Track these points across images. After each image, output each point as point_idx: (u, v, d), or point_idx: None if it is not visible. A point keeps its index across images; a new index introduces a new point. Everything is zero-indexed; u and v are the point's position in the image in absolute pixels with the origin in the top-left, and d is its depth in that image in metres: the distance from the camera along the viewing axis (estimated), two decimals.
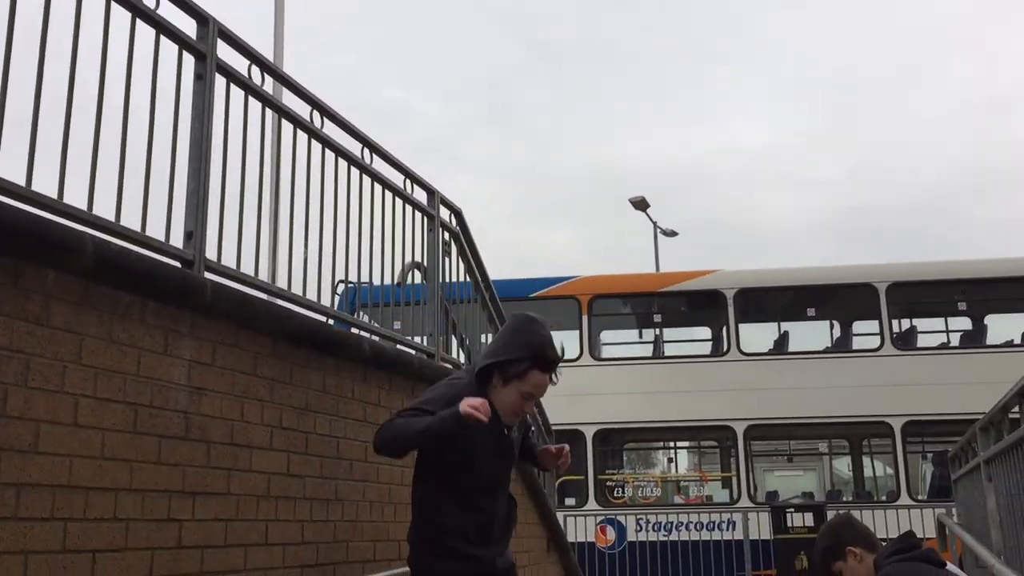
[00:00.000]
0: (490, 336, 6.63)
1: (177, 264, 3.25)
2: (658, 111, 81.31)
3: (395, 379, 4.52)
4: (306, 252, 4.15)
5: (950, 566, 3.70)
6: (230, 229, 3.66)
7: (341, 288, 5.24)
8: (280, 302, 3.77)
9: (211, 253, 3.43)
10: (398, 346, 4.86)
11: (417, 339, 5.18)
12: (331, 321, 4.34)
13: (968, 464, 5.66)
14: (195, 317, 3.15)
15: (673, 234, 24.31)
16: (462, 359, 6.14)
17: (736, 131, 75.71)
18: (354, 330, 4.68)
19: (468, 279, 6.16)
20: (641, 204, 22.53)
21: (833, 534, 3.67)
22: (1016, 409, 3.80)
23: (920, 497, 12.47)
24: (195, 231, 3.35)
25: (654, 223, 23.43)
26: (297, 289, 4.05)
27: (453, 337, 6.13)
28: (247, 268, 3.67)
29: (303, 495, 3.65)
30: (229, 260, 3.58)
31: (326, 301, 4.26)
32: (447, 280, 5.77)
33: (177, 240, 3.32)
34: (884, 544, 3.60)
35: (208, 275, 3.35)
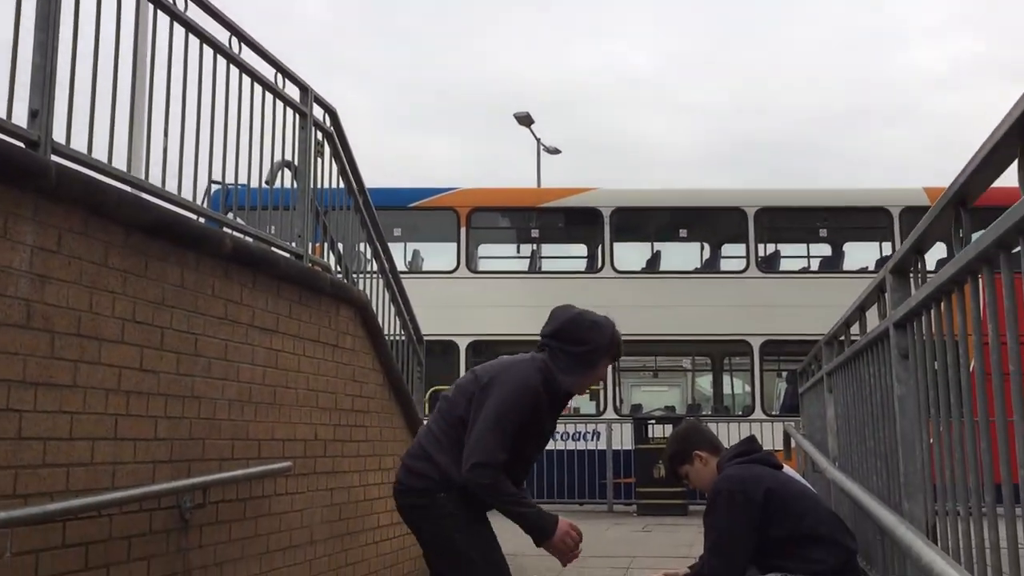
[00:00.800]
0: (366, 245, 6.56)
1: (20, 144, 3.05)
2: (545, 24, 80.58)
3: (259, 278, 4.42)
4: (166, 142, 3.97)
5: (787, 468, 3.93)
6: (83, 112, 3.45)
7: (212, 189, 5.09)
8: (137, 192, 3.61)
9: (59, 136, 3.24)
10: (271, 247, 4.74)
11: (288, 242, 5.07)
12: (202, 220, 4.20)
13: (813, 378, 5.99)
14: (39, 201, 2.99)
15: (556, 152, 24.42)
16: (335, 265, 6.06)
17: (623, 52, 75.99)
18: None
19: (342, 183, 6.04)
20: (526, 120, 22.49)
21: (681, 439, 3.86)
22: (856, 325, 4.02)
23: (773, 412, 13.20)
24: (41, 110, 3.15)
25: (537, 139, 23.47)
26: (157, 181, 3.88)
27: (329, 246, 6.04)
28: (101, 155, 3.48)
29: (157, 391, 3.57)
30: (81, 145, 3.39)
31: (188, 196, 4.11)
32: (320, 185, 5.65)
33: (21, 119, 3.12)
34: (727, 449, 3.81)
35: (56, 159, 3.17)
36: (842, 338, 4.47)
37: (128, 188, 3.63)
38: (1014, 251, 1.78)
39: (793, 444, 7.34)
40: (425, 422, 3.43)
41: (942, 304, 2.37)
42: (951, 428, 2.37)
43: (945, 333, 2.36)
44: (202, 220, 4.26)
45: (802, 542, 3.44)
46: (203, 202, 4.60)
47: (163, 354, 3.62)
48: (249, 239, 4.54)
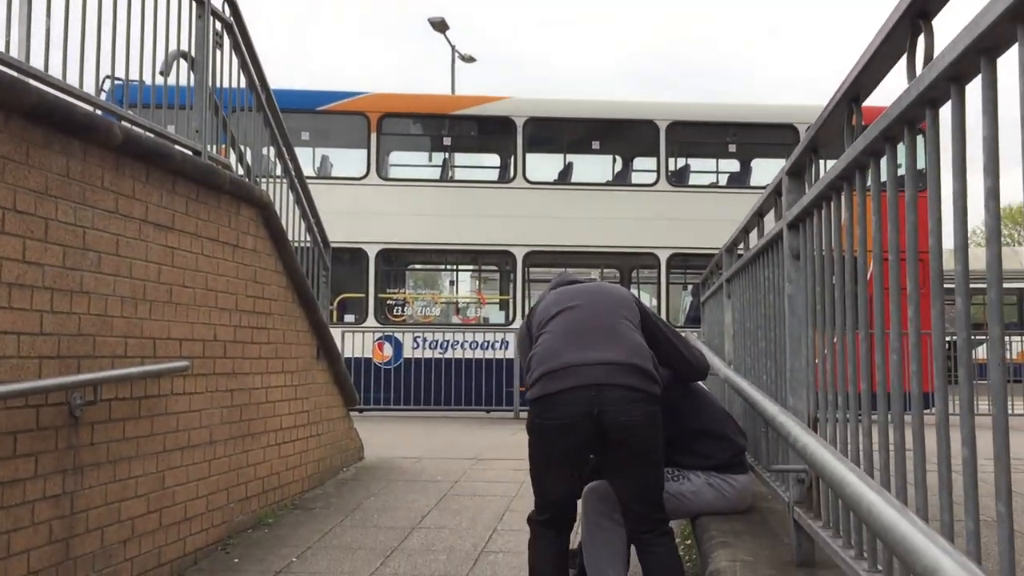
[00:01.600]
0: (270, 147, 6.37)
1: None
2: None
3: (153, 172, 4.25)
4: (48, 23, 3.73)
5: None
6: None
7: (109, 85, 4.86)
8: (12, 73, 3.39)
9: None
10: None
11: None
12: (101, 113, 3.99)
13: (713, 286, 6.13)
14: None
15: (471, 60, 23.97)
16: (236, 165, 5.88)
17: None
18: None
19: (243, 80, 5.81)
20: (440, 25, 21.95)
21: None
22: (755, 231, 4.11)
23: (678, 324, 13.52)
24: None
25: (452, 47, 22.97)
26: (40, 64, 3.65)
27: (230, 144, 5.83)
28: None
29: (42, 284, 3.42)
30: None
31: (74, 81, 3.89)
32: (221, 83, 5.44)
33: None
34: None
35: None
36: (741, 245, 4.57)
37: (7, 70, 3.41)
38: (899, 144, 1.81)
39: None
40: (613, 326, 3.26)
41: (832, 202, 2.42)
42: (835, 324, 2.45)
43: (835, 230, 2.42)
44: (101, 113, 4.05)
45: (696, 436, 3.57)
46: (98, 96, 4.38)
47: (48, 246, 3.47)
48: (141, 131, 4.34)
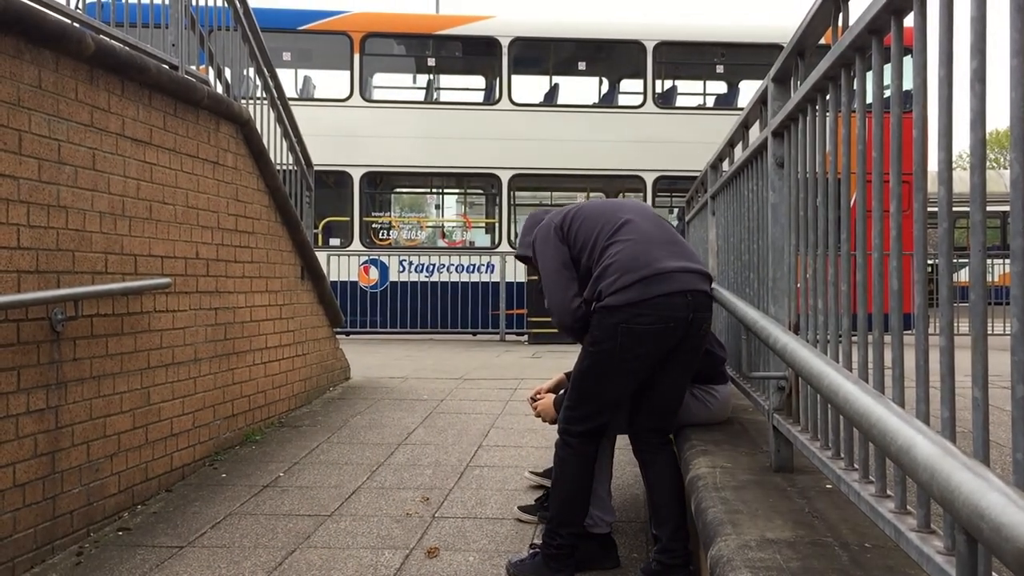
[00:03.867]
0: (250, 63, 6.25)
1: None
2: None
3: (128, 85, 4.16)
4: None
5: None
6: None
7: (83, 1, 4.74)
8: None
9: None
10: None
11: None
12: (77, 25, 3.89)
13: (698, 204, 6.11)
14: None
15: None
16: (219, 87, 5.77)
17: None
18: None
19: (224, 2, 5.67)
20: None
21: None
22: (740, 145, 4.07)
23: None
24: None
25: None
26: None
27: (209, 60, 5.72)
28: None
29: (17, 198, 3.37)
30: None
31: None
32: (200, 1, 5.32)
33: None
34: None
35: None
36: (726, 161, 4.53)
37: None
38: (885, 37, 1.77)
39: None
40: (677, 238, 3.34)
41: (816, 105, 2.39)
42: (817, 230, 2.44)
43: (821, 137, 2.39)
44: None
45: None
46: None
47: (22, 159, 3.41)
48: (116, 43, 4.24)
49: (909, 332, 1.80)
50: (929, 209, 1.61)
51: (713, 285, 3.48)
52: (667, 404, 3.31)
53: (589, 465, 3.29)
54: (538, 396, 3.97)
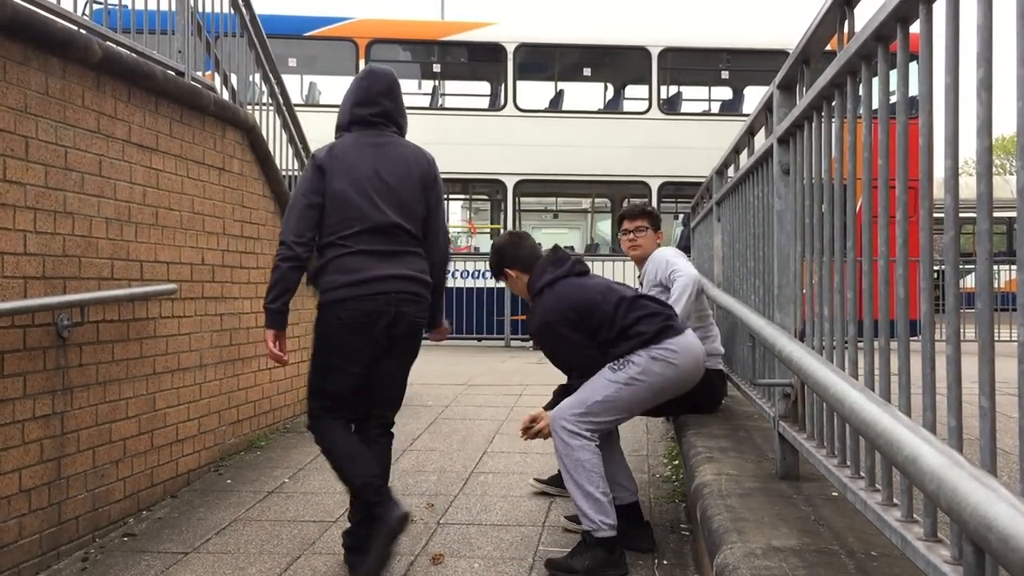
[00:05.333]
0: (255, 68, 6.26)
1: None
2: None
3: (135, 92, 4.18)
4: None
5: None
6: None
7: (89, 10, 4.78)
8: None
9: None
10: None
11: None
12: (84, 32, 3.91)
13: (703, 209, 6.11)
14: None
15: None
16: (225, 94, 5.78)
17: None
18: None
19: (231, 9, 5.68)
20: None
21: (495, 254, 3.83)
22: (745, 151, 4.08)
23: None
24: None
25: None
26: None
27: (215, 67, 5.73)
28: None
29: (24, 204, 3.38)
30: None
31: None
32: (204, 7, 5.34)
33: None
34: (539, 263, 3.73)
35: None
36: (731, 168, 4.54)
37: None
38: (891, 45, 1.77)
39: None
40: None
41: (822, 112, 2.39)
42: (823, 238, 2.44)
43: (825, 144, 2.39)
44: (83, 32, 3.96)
45: (615, 324, 3.47)
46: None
47: (29, 165, 3.42)
48: (122, 50, 4.25)
49: (915, 339, 1.80)
50: (935, 215, 1.60)
51: (715, 291, 3.48)
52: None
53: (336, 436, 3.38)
54: (534, 422, 3.84)
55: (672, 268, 4.35)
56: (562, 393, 3.82)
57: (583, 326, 3.46)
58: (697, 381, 3.56)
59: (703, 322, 4.45)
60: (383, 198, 3.35)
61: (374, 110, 3.48)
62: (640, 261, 4.67)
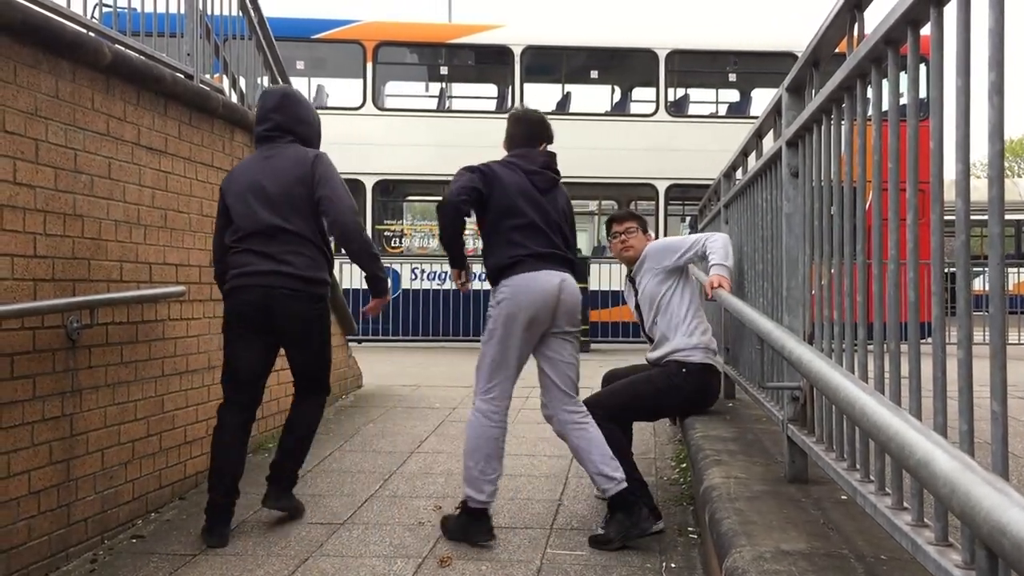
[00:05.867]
0: (263, 71, 6.27)
1: None
2: None
3: (144, 94, 4.19)
4: None
5: None
6: None
7: (98, 13, 4.81)
8: None
9: None
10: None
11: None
12: (94, 35, 3.93)
13: (711, 212, 6.10)
14: None
15: None
16: (233, 96, 5.80)
17: None
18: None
19: (239, 12, 5.70)
20: None
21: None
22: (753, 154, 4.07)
23: None
24: None
25: None
26: None
27: (223, 70, 5.75)
28: None
29: (34, 206, 3.40)
30: None
31: (61, 1, 3.82)
32: (212, 10, 5.36)
33: None
34: None
35: None
36: (739, 170, 4.53)
37: None
38: (902, 48, 1.77)
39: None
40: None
41: (831, 115, 2.38)
42: (832, 239, 2.43)
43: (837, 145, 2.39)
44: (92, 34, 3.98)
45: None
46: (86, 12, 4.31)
47: (39, 168, 3.43)
48: (132, 52, 4.27)
49: (926, 341, 1.80)
50: (945, 218, 1.60)
51: (724, 294, 3.48)
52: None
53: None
54: None
55: (685, 242, 4.34)
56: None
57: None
58: (548, 318, 3.79)
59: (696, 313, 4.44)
60: (263, 204, 3.82)
61: (267, 126, 3.97)
62: (631, 263, 4.58)
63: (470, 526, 3.71)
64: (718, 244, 4.10)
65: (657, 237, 13.44)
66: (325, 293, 4.01)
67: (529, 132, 4.04)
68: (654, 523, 3.62)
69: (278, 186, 3.83)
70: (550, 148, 4.11)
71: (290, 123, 3.97)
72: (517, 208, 3.78)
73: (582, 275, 10.94)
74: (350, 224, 3.93)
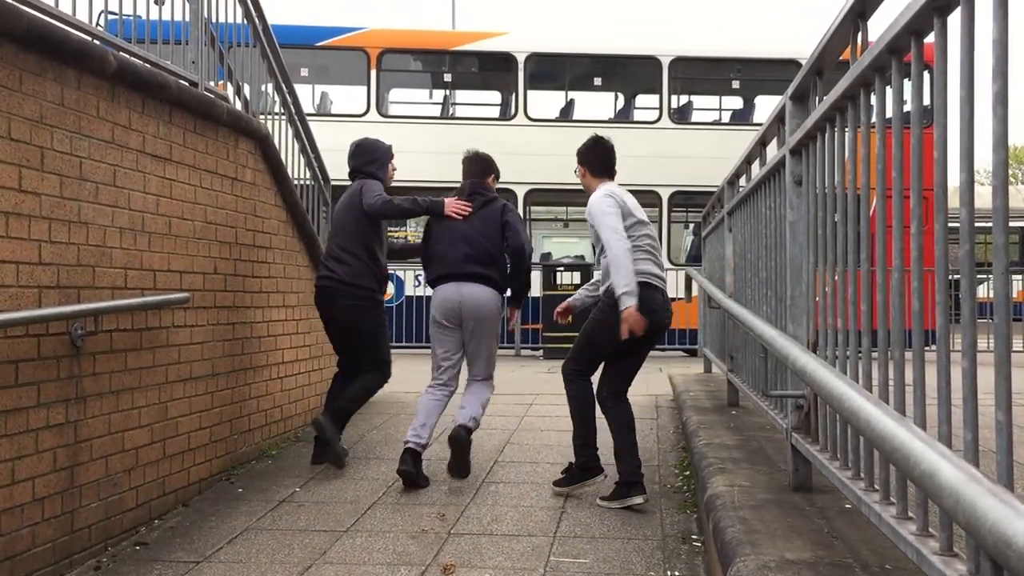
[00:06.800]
0: (267, 78, 6.29)
1: None
2: None
3: (149, 102, 4.21)
4: None
5: None
6: None
7: (103, 21, 4.82)
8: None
9: None
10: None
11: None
12: (96, 41, 3.94)
13: (715, 220, 6.10)
14: None
15: None
16: (238, 104, 5.80)
17: None
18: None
19: (239, 12, 5.71)
20: None
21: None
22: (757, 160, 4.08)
23: (680, 261, 13.52)
24: None
25: None
26: None
27: (227, 77, 5.77)
28: None
29: (39, 214, 3.40)
30: None
31: (67, 10, 3.84)
32: (217, 18, 5.38)
33: None
34: None
35: None
36: (742, 177, 4.53)
37: None
38: (905, 58, 1.77)
39: (694, 287, 7.53)
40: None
41: (835, 124, 2.39)
42: (836, 248, 2.43)
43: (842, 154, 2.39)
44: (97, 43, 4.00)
45: None
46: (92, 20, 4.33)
47: (44, 175, 3.44)
48: (137, 60, 4.28)
49: (930, 348, 1.79)
50: (950, 224, 1.60)
51: (728, 302, 3.48)
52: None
53: None
54: None
55: (596, 227, 4.50)
56: None
57: None
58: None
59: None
60: (338, 229, 5.23)
61: (350, 168, 5.40)
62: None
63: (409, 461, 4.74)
64: (612, 271, 4.13)
65: (660, 243, 13.50)
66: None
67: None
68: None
69: (348, 214, 5.28)
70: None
71: (363, 164, 5.39)
72: None
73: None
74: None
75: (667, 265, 12.63)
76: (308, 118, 7.20)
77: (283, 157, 6.02)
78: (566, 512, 4.25)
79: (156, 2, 4.76)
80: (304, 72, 12.92)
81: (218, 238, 4.89)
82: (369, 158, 5.39)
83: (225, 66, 5.68)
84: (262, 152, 5.52)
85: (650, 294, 4.15)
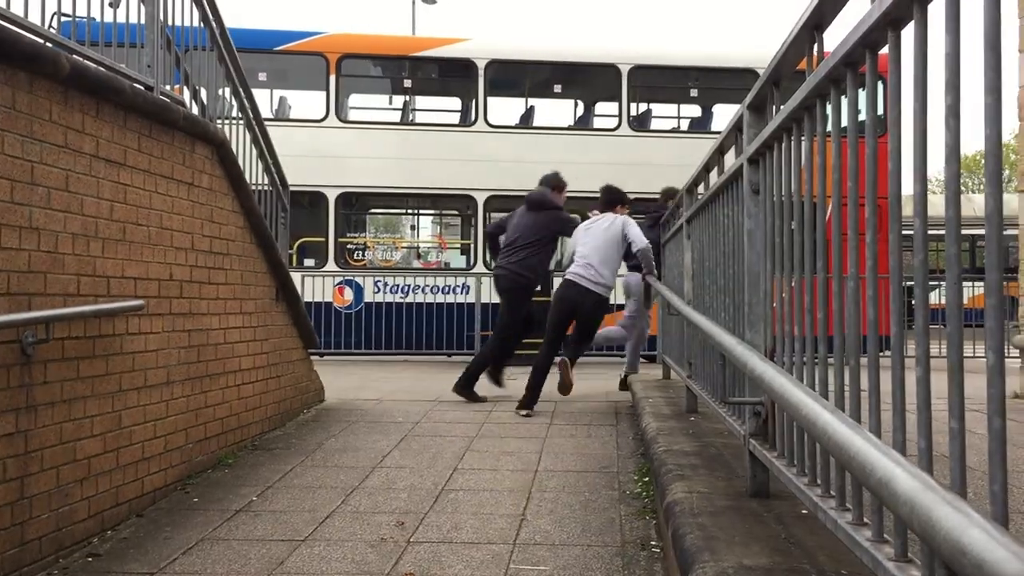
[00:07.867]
0: (225, 83, 6.22)
1: None
2: None
3: (103, 106, 4.14)
4: None
5: None
6: None
7: (56, 23, 4.74)
8: None
9: None
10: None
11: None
12: (50, 45, 3.87)
13: (673, 227, 6.15)
14: None
15: (432, 1, 23.55)
16: (194, 108, 5.73)
17: None
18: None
19: (196, 15, 5.65)
20: None
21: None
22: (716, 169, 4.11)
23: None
24: None
25: None
26: None
27: (184, 81, 5.70)
28: None
29: None
30: None
31: (19, 11, 3.77)
32: (173, 20, 5.31)
33: None
34: None
35: None
36: (701, 185, 4.57)
37: None
38: (860, 70, 1.80)
39: (653, 292, 7.58)
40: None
41: (792, 134, 2.41)
42: (792, 254, 2.46)
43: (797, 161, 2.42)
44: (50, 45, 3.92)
45: None
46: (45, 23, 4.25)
47: None
48: (91, 64, 4.21)
49: (885, 355, 1.82)
50: (904, 232, 1.63)
51: (687, 309, 3.50)
52: None
53: None
54: None
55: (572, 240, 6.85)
56: None
57: None
58: None
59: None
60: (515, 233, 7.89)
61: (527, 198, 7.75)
62: None
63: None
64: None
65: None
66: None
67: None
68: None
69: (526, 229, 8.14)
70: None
71: (535, 203, 8.25)
72: None
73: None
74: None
75: (623, 272, 12.81)
76: (267, 123, 7.14)
77: (241, 162, 5.96)
78: (526, 520, 4.25)
79: (111, 4, 4.70)
80: (262, 76, 12.81)
81: (174, 244, 4.82)
82: (538, 202, 8.43)
83: (182, 70, 5.61)
84: (219, 157, 5.46)
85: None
